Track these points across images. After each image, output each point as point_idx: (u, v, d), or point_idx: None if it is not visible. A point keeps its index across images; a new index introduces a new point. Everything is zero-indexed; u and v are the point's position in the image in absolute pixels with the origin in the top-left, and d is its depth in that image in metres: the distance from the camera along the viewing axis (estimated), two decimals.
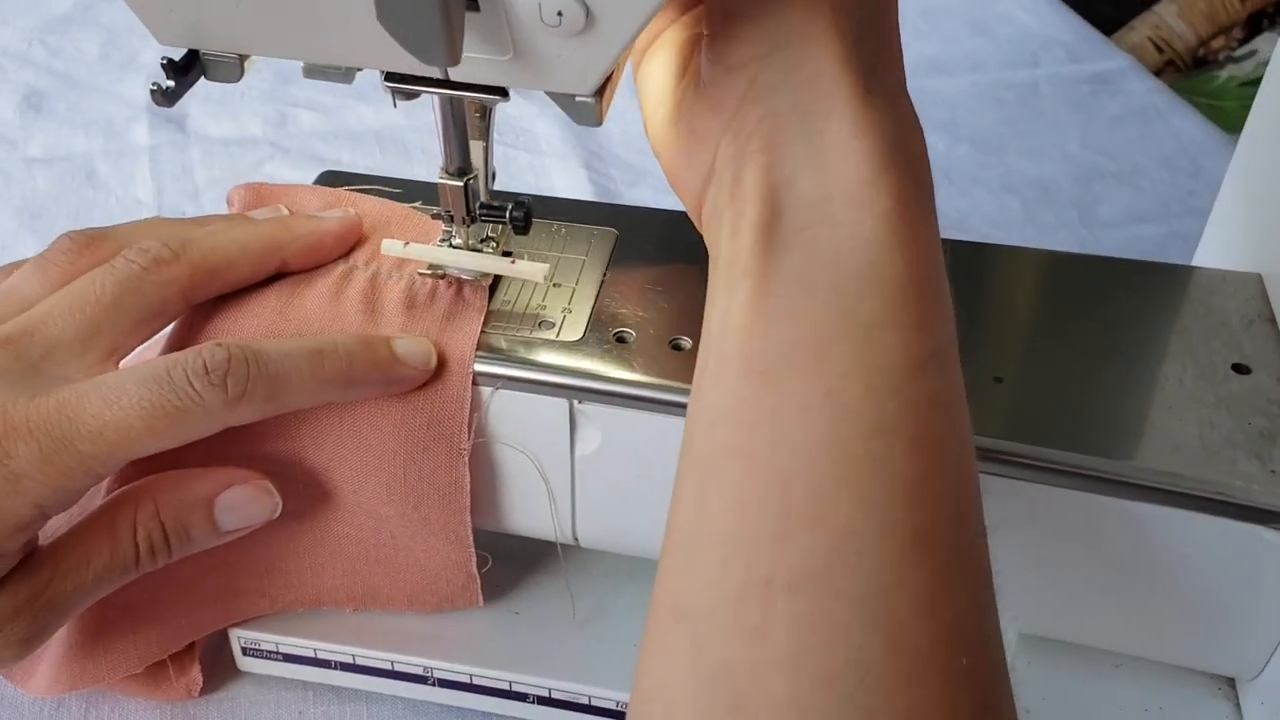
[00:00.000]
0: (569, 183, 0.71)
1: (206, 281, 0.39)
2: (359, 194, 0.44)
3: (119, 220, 0.68)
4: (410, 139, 0.75)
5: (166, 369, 0.34)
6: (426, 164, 0.73)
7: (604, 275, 0.42)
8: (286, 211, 0.43)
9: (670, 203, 0.69)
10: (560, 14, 0.30)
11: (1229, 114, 1.09)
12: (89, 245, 0.39)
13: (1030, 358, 0.39)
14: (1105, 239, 0.69)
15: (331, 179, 0.46)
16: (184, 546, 0.37)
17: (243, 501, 0.38)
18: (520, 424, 0.39)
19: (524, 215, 0.39)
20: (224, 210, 0.45)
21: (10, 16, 0.87)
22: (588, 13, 0.30)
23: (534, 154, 0.73)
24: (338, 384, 0.37)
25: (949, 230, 0.69)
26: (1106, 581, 0.39)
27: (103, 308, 0.37)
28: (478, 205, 0.39)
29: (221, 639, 0.45)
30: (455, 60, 0.30)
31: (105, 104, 0.79)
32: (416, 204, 0.44)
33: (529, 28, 0.31)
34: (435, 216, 0.40)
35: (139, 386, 0.34)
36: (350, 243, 0.41)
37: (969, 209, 0.71)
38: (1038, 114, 0.79)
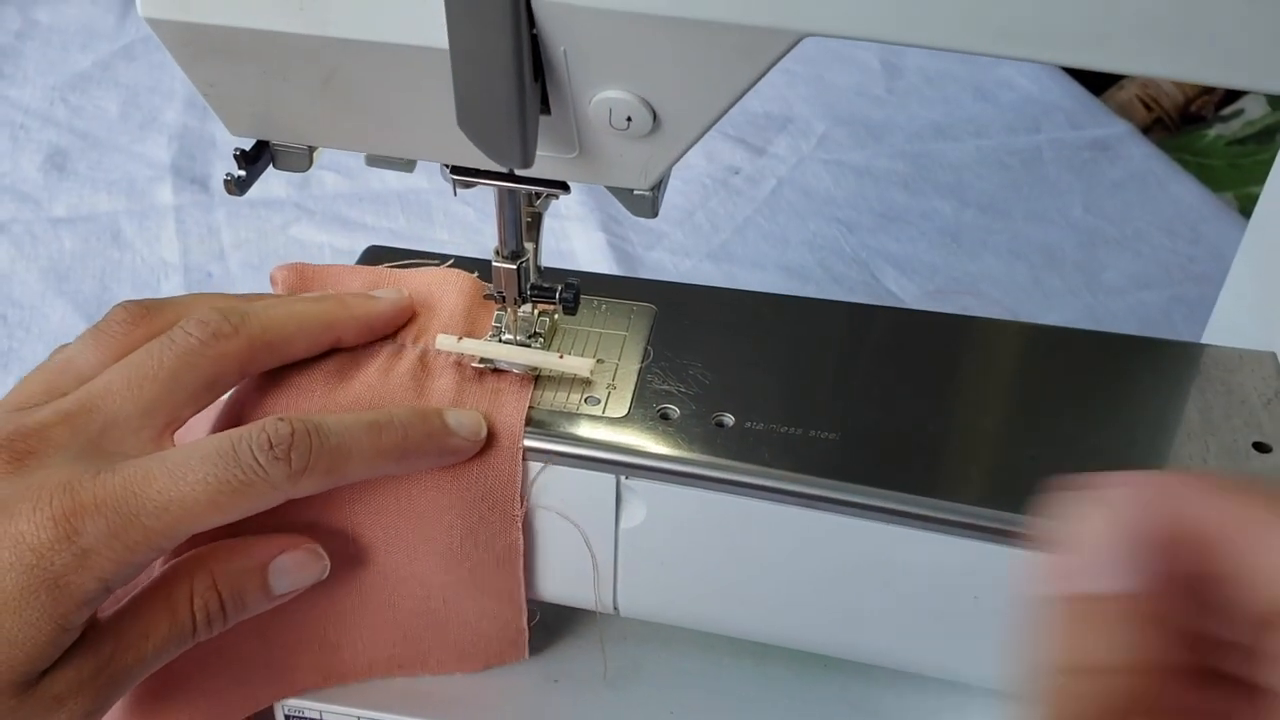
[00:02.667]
0: (588, 245, 0.73)
1: (264, 356, 0.40)
2: (400, 270, 0.45)
3: (147, 281, 0.70)
4: (433, 201, 0.76)
5: (231, 444, 0.35)
6: (448, 226, 0.75)
7: (645, 351, 0.43)
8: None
9: (695, 274, 0.71)
10: (629, 119, 0.31)
11: (1217, 172, 1.12)
12: (145, 316, 0.40)
13: (1061, 435, 0.41)
14: (1111, 305, 0.71)
15: (375, 255, 0.47)
16: (239, 613, 0.38)
17: (294, 566, 0.39)
18: (567, 497, 0.41)
19: (573, 297, 0.40)
20: (251, 271, 0.45)
21: (32, 75, 0.88)
22: (655, 117, 0.31)
23: (553, 217, 0.74)
24: (394, 455, 0.38)
25: (961, 296, 0.71)
26: None
27: (160, 383, 0.37)
28: (529, 286, 0.40)
29: (266, 708, 0.45)
30: (529, 162, 0.31)
31: (127, 163, 0.80)
32: (450, 261, 0.45)
33: (597, 130, 0.32)
34: (488, 297, 0.42)
35: (203, 463, 0.35)
36: (401, 322, 0.42)
37: (979, 273, 0.73)
38: (1041, 179, 0.81)
